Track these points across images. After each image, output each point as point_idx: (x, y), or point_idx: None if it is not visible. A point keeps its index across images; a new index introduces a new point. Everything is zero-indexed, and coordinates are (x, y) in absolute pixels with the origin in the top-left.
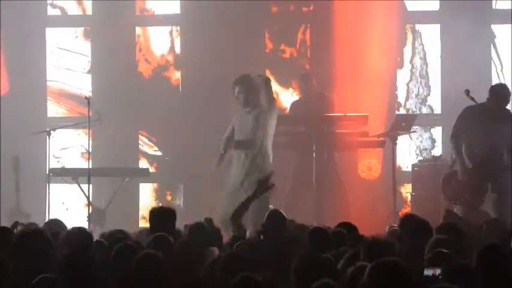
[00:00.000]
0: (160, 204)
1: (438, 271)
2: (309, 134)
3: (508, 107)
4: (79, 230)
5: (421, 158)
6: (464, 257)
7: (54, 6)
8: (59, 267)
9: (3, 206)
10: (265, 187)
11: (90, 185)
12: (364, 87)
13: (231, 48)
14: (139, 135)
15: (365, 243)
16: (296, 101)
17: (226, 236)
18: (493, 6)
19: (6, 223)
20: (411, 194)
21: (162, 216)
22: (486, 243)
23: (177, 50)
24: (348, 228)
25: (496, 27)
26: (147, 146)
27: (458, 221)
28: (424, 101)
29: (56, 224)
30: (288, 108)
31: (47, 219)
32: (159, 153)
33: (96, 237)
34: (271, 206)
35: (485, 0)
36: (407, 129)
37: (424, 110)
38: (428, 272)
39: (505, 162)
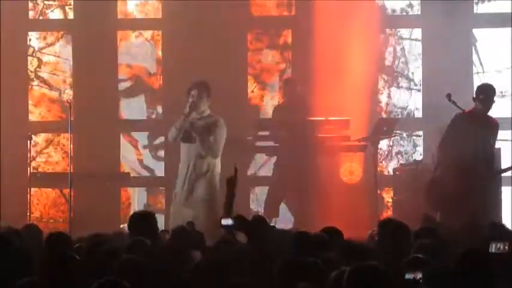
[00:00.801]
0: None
1: (419, 275)
2: (291, 138)
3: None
4: (58, 235)
5: (402, 162)
6: (442, 260)
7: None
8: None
9: None
10: (234, 182)
11: (72, 189)
12: (346, 92)
13: (212, 52)
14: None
15: (341, 247)
16: (278, 106)
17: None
18: (474, 10)
19: None
20: (392, 198)
21: (142, 220)
22: (464, 247)
23: (159, 54)
24: (333, 233)
25: (477, 31)
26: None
27: (436, 225)
28: (405, 105)
29: (32, 230)
30: (271, 112)
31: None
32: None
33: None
34: (254, 211)
35: (466, 3)
36: (388, 134)
37: (405, 114)
38: (409, 276)
39: (493, 170)
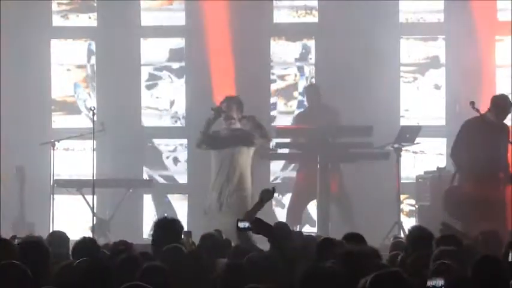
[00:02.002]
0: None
1: (441, 282)
2: (313, 145)
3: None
4: (86, 240)
5: (425, 170)
6: (462, 268)
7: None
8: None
9: (7, 216)
10: (269, 195)
11: (95, 196)
12: (369, 98)
13: (235, 57)
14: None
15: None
16: (301, 112)
17: None
18: (497, 18)
19: (11, 234)
20: (415, 206)
21: (167, 227)
22: (482, 254)
23: (182, 60)
24: (355, 240)
25: (499, 38)
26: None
27: (455, 233)
28: (428, 112)
29: (59, 235)
30: (292, 119)
31: (50, 230)
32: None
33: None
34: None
35: (489, 8)
36: (411, 141)
37: (429, 122)
38: (431, 283)
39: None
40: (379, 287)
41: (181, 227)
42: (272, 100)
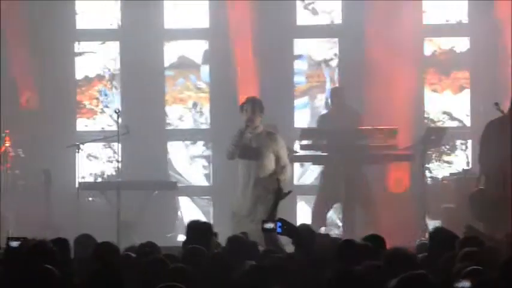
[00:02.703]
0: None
1: (468, 284)
2: (337, 147)
3: None
4: (106, 244)
5: (450, 171)
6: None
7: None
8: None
9: (34, 220)
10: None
11: (119, 198)
12: (394, 100)
13: (258, 59)
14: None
15: (386, 256)
16: (325, 114)
17: None
18: None
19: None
20: (441, 207)
21: (198, 229)
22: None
23: (205, 62)
24: (376, 241)
25: None
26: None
27: (479, 235)
28: (453, 114)
29: (86, 238)
30: (316, 121)
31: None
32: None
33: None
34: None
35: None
36: (436, 143)
37: (454, 123)
38: (458, 285)
39: None
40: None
41: (211, 230)
42: (296, 102)
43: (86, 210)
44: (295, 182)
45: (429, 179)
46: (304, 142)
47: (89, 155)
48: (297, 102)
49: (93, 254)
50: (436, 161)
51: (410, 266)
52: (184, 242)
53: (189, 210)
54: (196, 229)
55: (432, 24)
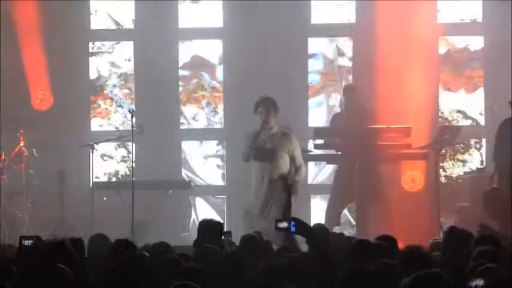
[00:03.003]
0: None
1: (481, 282)
2: (351, 146)
3: None
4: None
5: (465, 170)
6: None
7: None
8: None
9: (48, 219)
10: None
11: (134, 198)
12: (408, 99)
13: (273, 56)
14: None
15: (402, 255)
16: (339, 113)
17: None
18: None
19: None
20: (455, 206)
21: (209, 228)
22: None
23: (220, 61)
24: (388, 241)
25: None
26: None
27: (494, 234)
28: (468, 113)
29: (100, 237)
30: (330, 120)
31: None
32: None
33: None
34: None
35: None
36: (451, 141)
37: (468, 122)
38: (473, 283)
39: None
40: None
41: (222, 229)
42: (311, 101)
43: (100, 210)
44: (310, 181)
45: (443, 178)
46: (318, 141)
47: (103, 155)
48: (312, 101)
49: (111, 250)
50: (450, 160)
51: (425, 265)
52: (196, 241)
53: (203, 210)
54: (207, 228)
55: (446, 23)
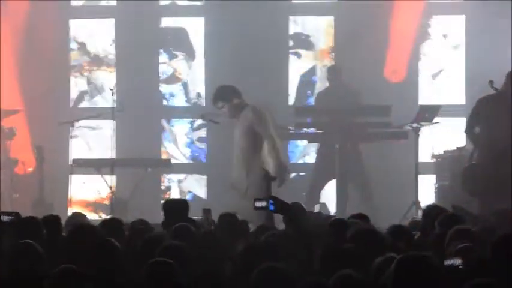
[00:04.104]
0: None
1: (459, 262)
2: (332, 124)
3: None
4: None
5: (444, 149)
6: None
7: None
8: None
9: (27, 196)
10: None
11: (113, 176)
12: (388, 78)
13: (254, 36)
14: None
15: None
16: (322, 92)
17: None
18: None
19: (30, 214)
20: (434, 185)
21: (175, 207)
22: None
23: (201, 40)
24: (361, 219)
25: None
26: None
27: (465, 214)
28: (447, 91)
29: (79, 216)
30: (314, 98)
31: (68, 209)
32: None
33: None
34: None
35: None
36: (430, 120)
37: (448, 101)
38: (449, 262)
39: None
40: (406, 273)
41: (187, 207)
42: (290, 79)
43: (79, 187)
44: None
45: (423, 157)
46: (299, 120)
47: (83, 132)
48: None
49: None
50: (430, 139)
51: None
52: (163, 222)
53: (183, 188)
54: (172, 208)
55: (430, 2)
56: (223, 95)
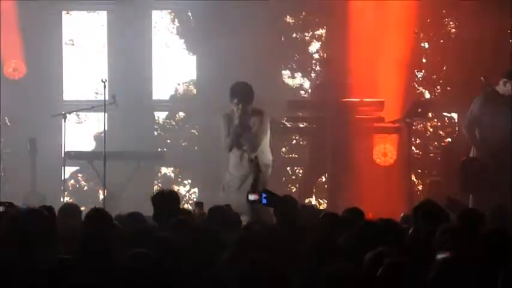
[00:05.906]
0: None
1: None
2: (325, 119)
3: None
4: (98, 212)
5: (436, 144)
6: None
7: None
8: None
9: (19, 188)
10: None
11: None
12: (381, 73)
13: (248, 32)
14: None
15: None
16: (316, 86)
17: None
18: None
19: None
20: (427, 180)
21: (165, 200)
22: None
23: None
24: (354, 214)
25: None
26: None
27: (460, 208)
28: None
29: (71, 207)
30: (310, 91)
31: (61, 201)
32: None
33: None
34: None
35: None
36: (423, 115)
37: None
38: (439, 256)
39: None
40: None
41: (178, 199)
42: (284, 73)
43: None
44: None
45: (416, 152)
46: (291, 114)
47: (75, 124)
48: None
49: (86, 219)
50: (423, 134)
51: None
52: (154, 215)
53: (175, 181)
54: (162, 201)
55: None
56: (251, 95)
